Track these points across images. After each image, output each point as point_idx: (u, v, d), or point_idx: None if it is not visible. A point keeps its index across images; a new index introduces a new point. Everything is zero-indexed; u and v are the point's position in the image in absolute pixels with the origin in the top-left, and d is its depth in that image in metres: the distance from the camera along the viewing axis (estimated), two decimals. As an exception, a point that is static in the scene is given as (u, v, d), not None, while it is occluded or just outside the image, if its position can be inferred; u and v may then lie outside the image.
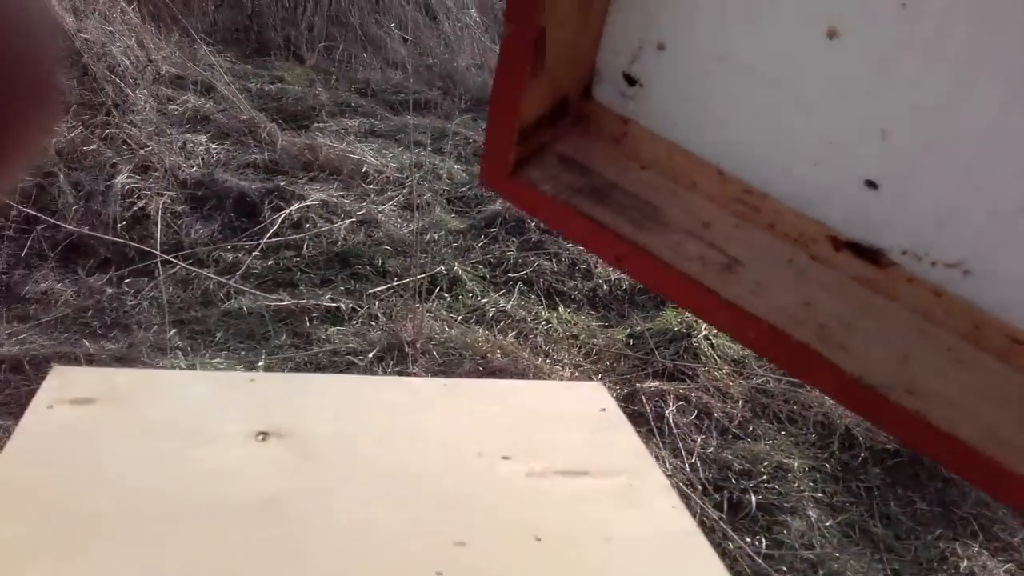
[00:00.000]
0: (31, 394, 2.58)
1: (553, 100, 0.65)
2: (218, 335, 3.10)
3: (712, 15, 0.59)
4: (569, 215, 0.62)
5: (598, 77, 0.67)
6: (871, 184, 0.56)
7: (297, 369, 3.01)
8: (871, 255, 0.59)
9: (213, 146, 3.88)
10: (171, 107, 4.01)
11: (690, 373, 2.78)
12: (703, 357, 2.84)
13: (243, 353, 3.03)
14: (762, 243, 0.62)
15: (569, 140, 0.67)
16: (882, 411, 0.54)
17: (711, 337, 2.89)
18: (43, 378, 2.67)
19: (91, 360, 2.72)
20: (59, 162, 3.40)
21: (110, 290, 3.16)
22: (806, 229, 0.61)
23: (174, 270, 3.25)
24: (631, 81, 0.65)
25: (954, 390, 0.54)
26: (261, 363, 2.99)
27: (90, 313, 3.06)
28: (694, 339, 2.89)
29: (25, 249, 3.16)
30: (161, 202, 3.46)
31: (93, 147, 3.53)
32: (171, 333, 3.01)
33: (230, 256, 3.42)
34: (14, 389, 2.58)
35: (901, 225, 0.56)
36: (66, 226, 3.13)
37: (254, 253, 3.44)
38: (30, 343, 2.81)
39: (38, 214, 3.13)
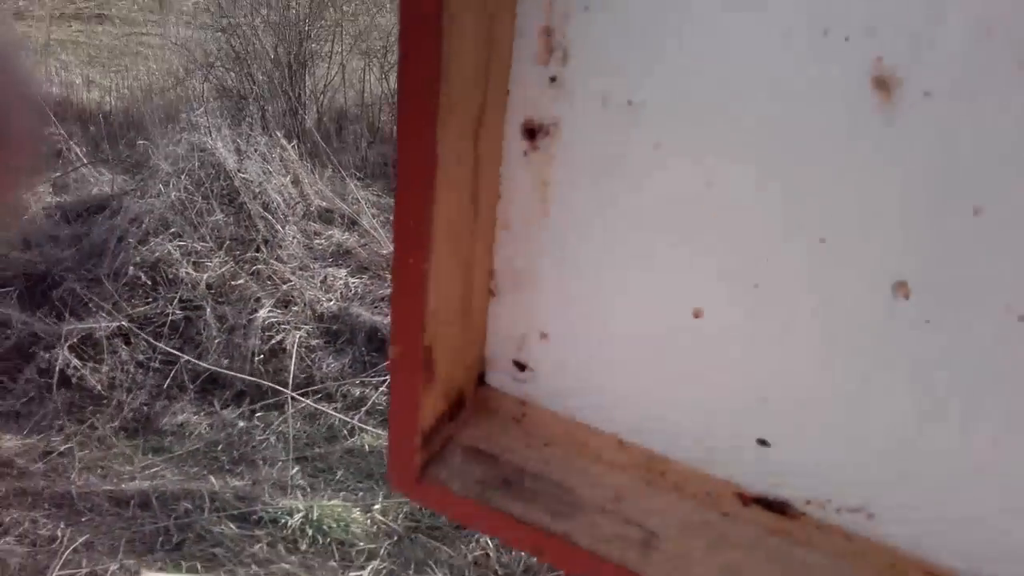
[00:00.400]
0: (156, 533, 2.64)
1: (449, 399, 0.66)
2: (339, 473, 3.11)
3: (586, 304, 0.63)
4: (483, 512, 0.63)
5: (490, 365, 0.70)
6: (763, 442, 0.60)
7: (412, 514, 2.95)
8: (778, 507, 0.62)
9: (352, 280, 4.00)
10: (316, 241, 4.20)
11: None
12: None
13: (360, 494, 3.01)
14: (673, 508, 0.65)
15: (470, 429, 0.69)
16: None
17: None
18: (169, 515, 2.73)
19: (214, 498, 2.77)
20: (208, 295, 3.59)
21: (242, 423, 3.25)
22: (713, 488, 0.64)
23: (302, 405, 3.31)
24: (521, 367, 0.69)
25: None
26: (377, 506, 2.95)
27: (220, 447, 3.14)
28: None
29: (167, 381, 3.31)
30: (297, 336, 3.57)
31: (240, 281, 3.72)
32: (294, 471, 3.04)
33: (357, 391, 3.46)
34: (139, 527, 2.65)
35: (798, 477, 0.60)
36: (203, 364, 3.26)
37: (380, 388, 3.47)
38: (160, 477, 2.91)
39: (178, 353, 3.29)
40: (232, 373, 3.20)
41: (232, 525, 2.68)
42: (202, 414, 3.26)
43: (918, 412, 0.53)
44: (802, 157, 0.51)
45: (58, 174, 4.08)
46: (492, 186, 0.61)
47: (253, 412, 3.30)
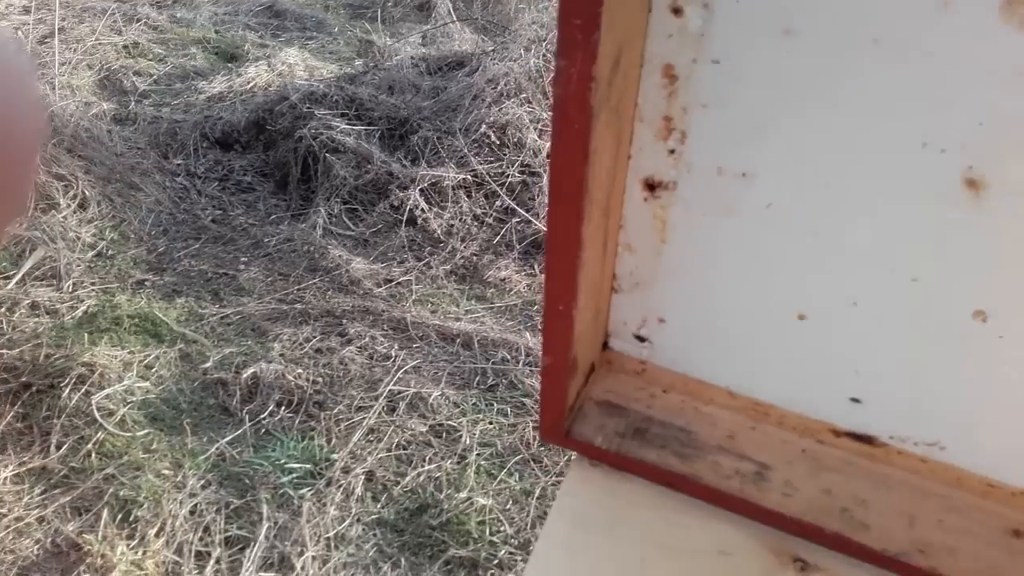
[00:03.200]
0: (474, 372, 2.81)
1: (585, 374, 0.80)
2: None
3: (699, 298, 0.75)
4: (623, 460, 0.78)
5: (613, 336, 0.82)
6: (855, 400, 0.74)
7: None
8: (866, 439, 0.77)
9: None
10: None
11: None
12: None
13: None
14: (778, 441, 0.79)
15: (599, 385, 0.83)
16: (906, 571, 0.70)
17: None
18: (488, 359, 2.89)
19: (528, 352, 2.90)
20: (546, 163, 3.67)
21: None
22: (810, 426, 0.78)
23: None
24: (641, 339, 0.81)
25: (952, 537, 0.71)
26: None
27: (536, 307, 3.27)
28: None
29: (497, 237, 3.47)
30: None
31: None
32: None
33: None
34: (461, 363, 2.84)
35: (885, 425, 0.75)
36: (536, 223, 3.37)
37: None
38: (481, 323, 3.08)
39: (516, 207, 3.42)
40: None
41: (543, 382, 2.79)
42: (523, 274, 3.39)
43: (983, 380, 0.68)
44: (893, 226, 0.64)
45: (427, 27, 4.31)
46: (616, 218, 0.73)
47: (570, 283, 3.38)
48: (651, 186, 0.71)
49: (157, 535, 2.04)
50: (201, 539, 2.08)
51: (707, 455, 0.77)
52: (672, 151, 0.67)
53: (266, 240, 3.33)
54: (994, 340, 0.65)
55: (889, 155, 0.60)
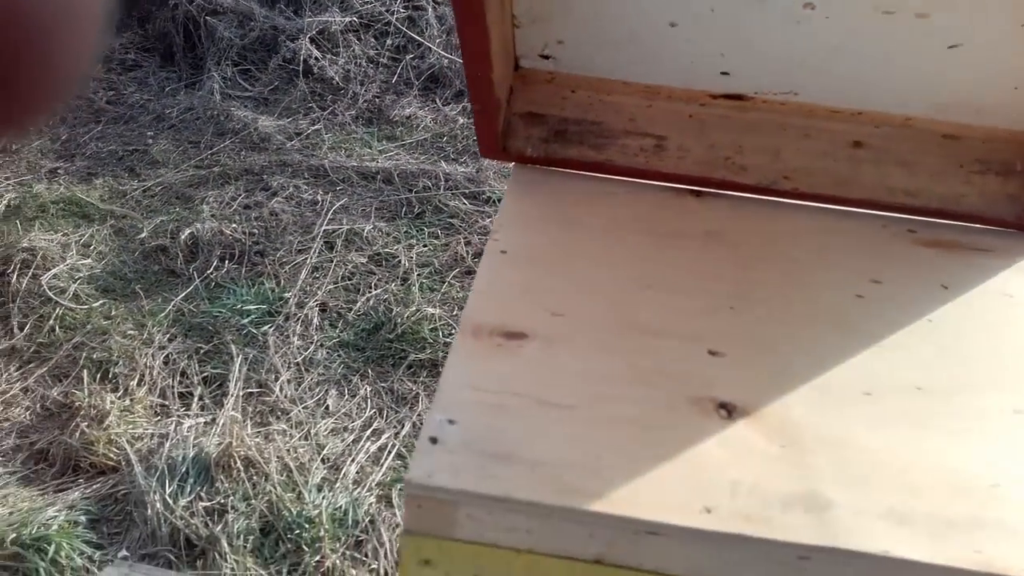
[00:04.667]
0: (400, 203, 2.96)
1: (504, 100, 0.96)
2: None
3: (589, 21, 0.89)
4: (551, 160, 0.97)
5: (522, 59, 0.97)
6: (725, 73, 0.93)
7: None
8: (736, 97, 0.95)
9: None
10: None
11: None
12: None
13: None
14: (669, 112, 0.96)
15: (519, 99, 0.98)
16: (777, 195, 0.94)
17: None
18: (410, 190, 3.04)
19: (448, 177, 3.06)
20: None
21: (462, 120, 3.47)
22: (692, 95, 0.96)
23: (519, 105, 3.47)
24: (546, 58, 0.96)
25: (808, 159, 0.94)
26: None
27: (445, 139, 3.40)
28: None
29: (395, 77, 3.54)
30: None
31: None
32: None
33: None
34: (386, 197, 2.98)
35: (750, 85, 0.93)
36: (430, 57, 3.44)
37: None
38: (397, 159, 3.21)
39: (412, 38, 3.47)
40: (456, 67, 3.38)
41: (465, 201, 2.97)
42: (427, 109, 3.50)
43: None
44: None
45: None
46: None
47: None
48: None
49: (139, 384, 2.19)
50: (180, 382, 2.24)
51: (616, 139, 0.96)
52: None
53: (167, 112, 3.33)
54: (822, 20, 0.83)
55: None
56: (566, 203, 0.91)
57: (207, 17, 3.53)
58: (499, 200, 3.01)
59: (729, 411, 0.63)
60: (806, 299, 0.78)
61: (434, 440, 0.58)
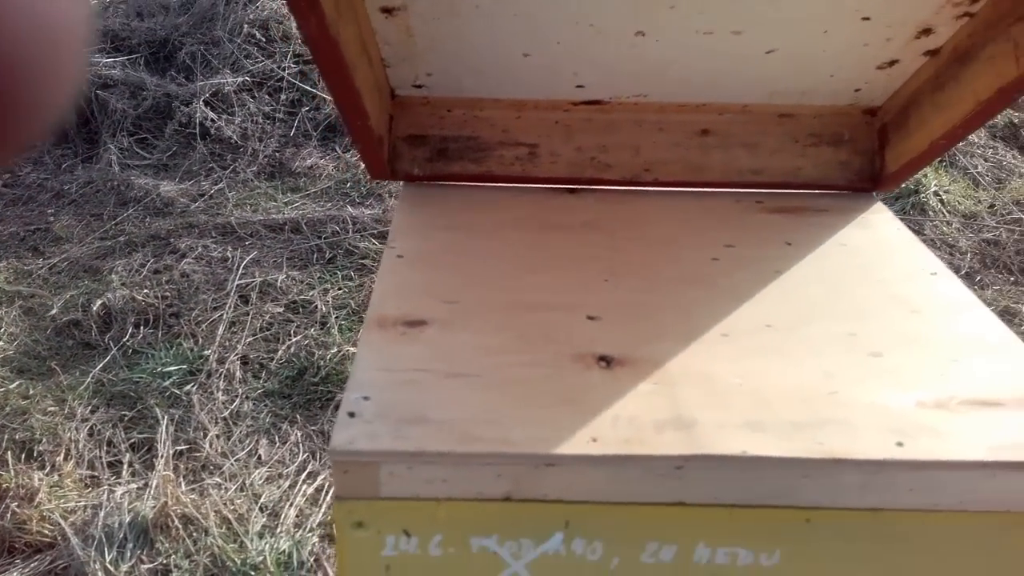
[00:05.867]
0: (311, 251, 3.02)
1: (385, 128, 1.05)
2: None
3: (451, 54, 0.97)
4: (437, 176, 1.06)
5: (397, 89, 1.06)
6: (580, 86, 1.05)
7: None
8: (595, 103, 1.05)
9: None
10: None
11: (916, 228, 2.74)
12: (931, 212, 2.78)
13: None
14: (536, 120, 1.05)
15: (400, 124, 1.08)
16: (643, 185, 1.06)
17: (940, 193, 2.82)
18: (319, 236, 3.09)
19: (355, 220, 3.13)
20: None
21: (363, 165, 3.56)
22: (556, 104, 1.06)
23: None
24: (418, 87, 1.05)
25: (663, 150, 1.06)
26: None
27: (348, 184, 3.48)
28: (922, 195, 2.83)
29: (293, 130, 3.61)
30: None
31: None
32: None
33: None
34: (296, 246, 3.03)
35: (605, 93, 1.04)
36: (325, 108, 3.52)
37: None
38: (303, 209, 3.27)
39: (307, 91, 3.54)
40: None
41: (375, 241, 3.04)
42: (328, 158, 3.57)
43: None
44: None
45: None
46: (368, 33, 0.92)
47: (372, 154, 3.60)
48: (387, 10, 0.90)
49: (66, 459, 2.18)
50: (108, 451, 2.24)
51: (493, 151, 1.06)
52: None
53: (66, 188, 3.32)
54: (667, 11, 0.90)
55: None
56: (453, 211, 1.01)
57: (98, 91, 3.54)
58: (408, 237, 3.09)
59: (608, 362, 0.73)
60: (670, 267, 0.89)
61: (352, 414, 0.66)
